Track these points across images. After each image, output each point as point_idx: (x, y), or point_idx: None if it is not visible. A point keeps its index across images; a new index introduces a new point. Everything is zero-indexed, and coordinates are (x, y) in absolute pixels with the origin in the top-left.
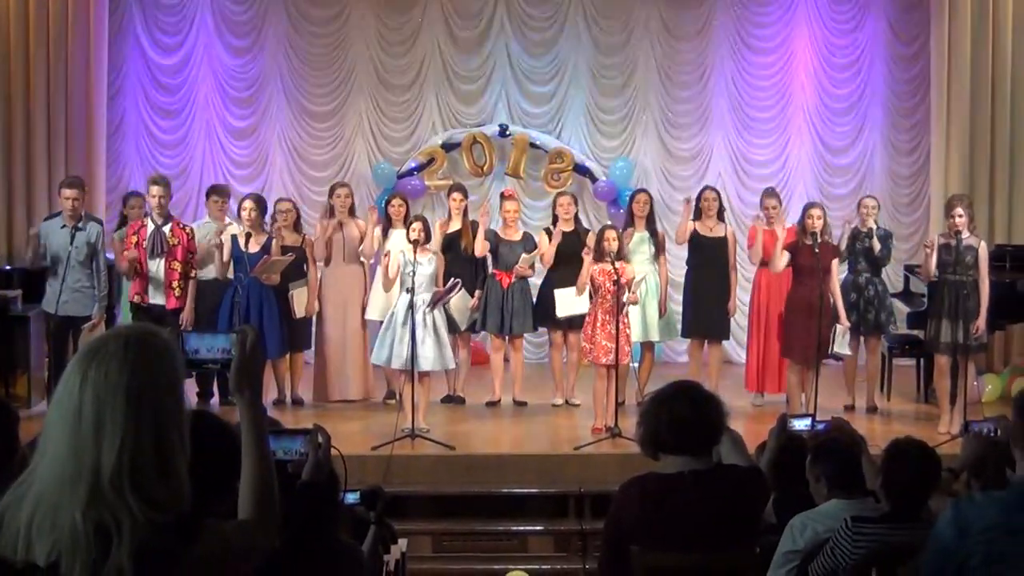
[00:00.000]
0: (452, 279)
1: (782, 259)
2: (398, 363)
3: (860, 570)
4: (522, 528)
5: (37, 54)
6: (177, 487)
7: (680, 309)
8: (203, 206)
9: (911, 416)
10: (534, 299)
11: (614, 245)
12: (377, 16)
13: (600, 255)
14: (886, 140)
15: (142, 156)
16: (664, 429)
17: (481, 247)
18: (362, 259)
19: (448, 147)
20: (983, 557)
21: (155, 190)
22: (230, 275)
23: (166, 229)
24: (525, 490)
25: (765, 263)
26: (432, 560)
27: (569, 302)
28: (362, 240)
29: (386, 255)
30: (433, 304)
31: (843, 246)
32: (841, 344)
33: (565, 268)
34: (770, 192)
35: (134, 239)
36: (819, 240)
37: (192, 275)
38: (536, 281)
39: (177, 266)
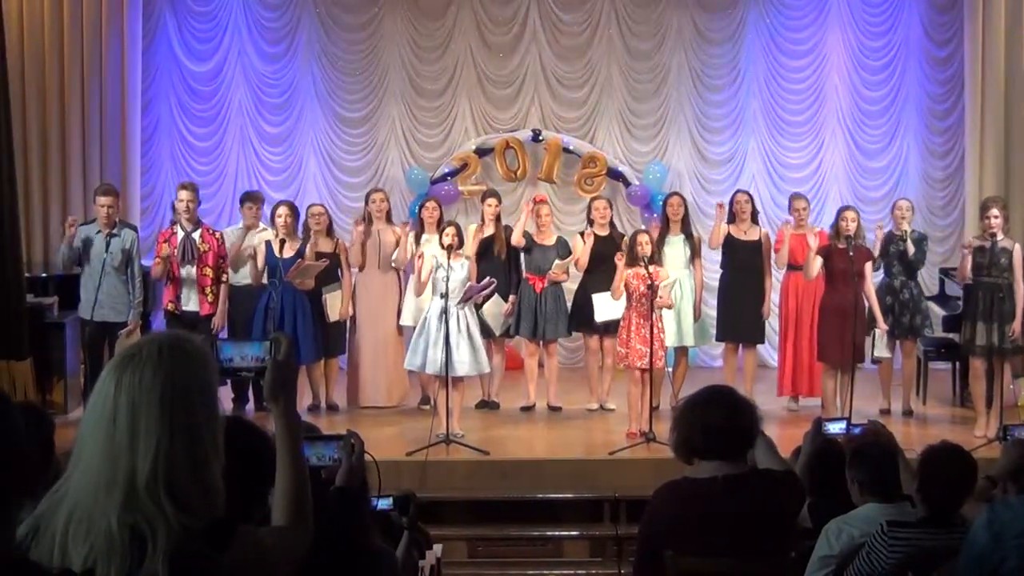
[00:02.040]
0: (488, 278)
1: (814, 265)
2: (432, 369)
3: (896, 575)
4: (557, 533)
5: (71, 62)
6: (211, 493)
7: (715, 313)
8: (237, 213)
9: (947, 420)
10: (568, 304)
11: (647, 249)
12: (410, 22)
13: (633, 259)
14: (920, 143)
15: (176, 163)
16: (697, 434)
17: (517, 238)
18: (394, 266)
19: (481, 152)
20: (1017, 561)
21: (184, 195)
22: (264, 280)
23: (196, 235)
24: (560, 495)
25: (793, 267)
26: (467, 566)
27: (607, 306)
28: (397, 247)
29: (419, 256)
30: (465, 300)
31: (877, 251)
32: (880, 348)
33: (599, 272)
34: (798, 195)
35: (165, 247)
36: (853, 243)
37: (224, 279)
38: (571, 286)
39: (209, 272)
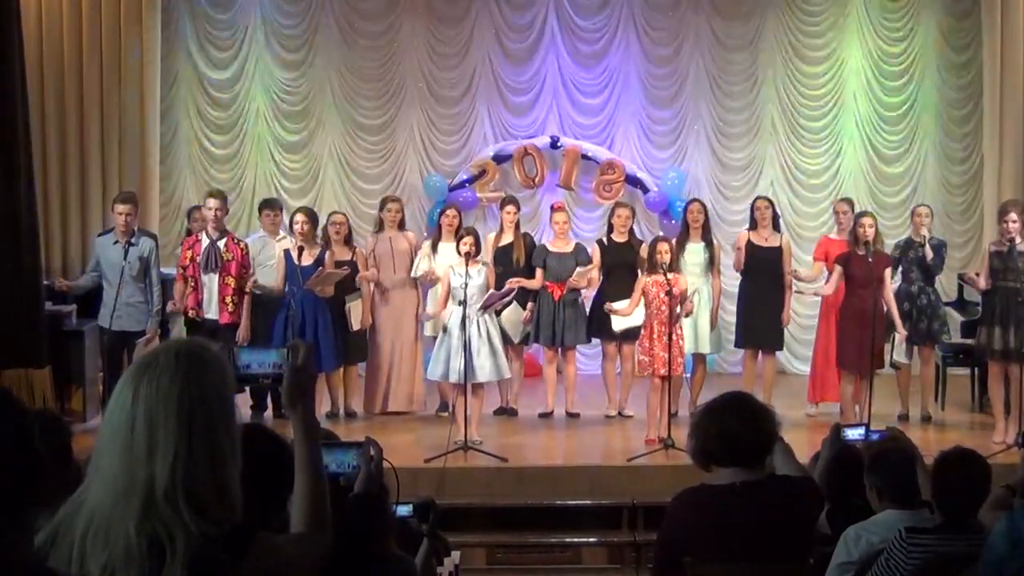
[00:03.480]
0: (508, 286)
1: (834, 280)
2: (455, 377)
3: None
4: (575, 540)
5: (90, 70)
6: (230, 500)
7: (733, 320)
8: (256, 220)
9: (966, 426)
10: (587, 310)
11: (666, 257)
12: (428, 29)
13: (653, 267)
14: (939, 149)
15: (195, 171)
16: (715, 441)
17: (536, 282)
18: (420, 282)
19: (499, 159)
20: None
21: (212, 203)
22: (284, 288)
23: (221, 244)
24: (578, 502)
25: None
26: (486, 573)
27: (623, 316)
28: (411, 253)
29: (432, 278)
30: (485, 307)
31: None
32: (899, 353)
33: (617, 280)
34: (841, 199)
35: (189, 254)
36: (872, 249)
37: (246, 290)
38: (589, 293)
39: (231, 281)
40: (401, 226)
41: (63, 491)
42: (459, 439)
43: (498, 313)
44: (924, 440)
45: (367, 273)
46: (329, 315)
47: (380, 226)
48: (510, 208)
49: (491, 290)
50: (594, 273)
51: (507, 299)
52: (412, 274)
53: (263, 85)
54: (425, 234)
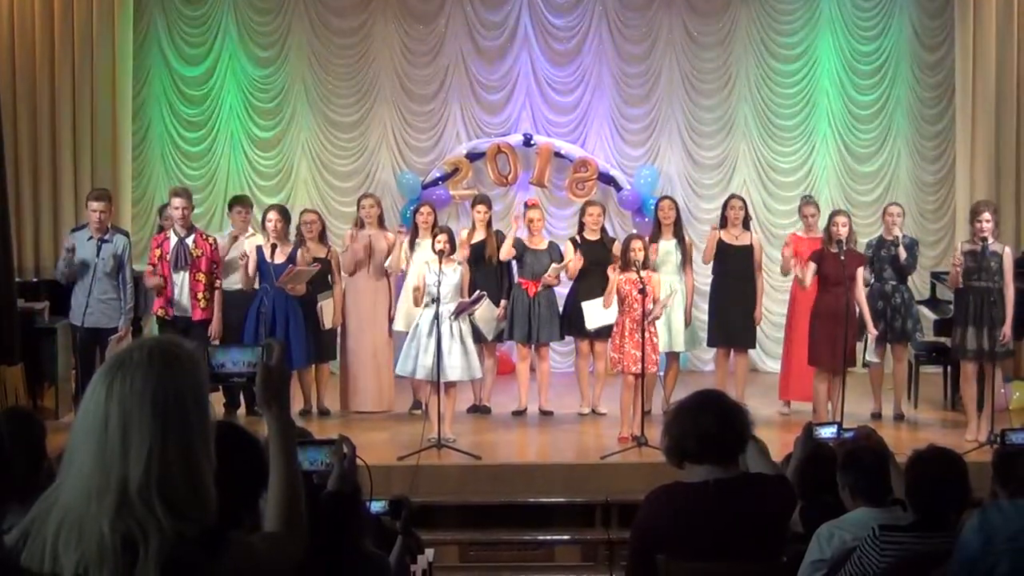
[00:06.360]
0: (477, 292)
1: (808, 272)
2: (423, 373)
3: None
4: (549, 537)
5: (62, 66)
6: (204, 498)
7: (706, 318)
8: (228, 217)
9: (938, 424)
10: (560, 308)
11: (640, 255)
12: (401, 26)
13: (626, 265)
14: (911, 147)
15: (167, 168)
16: (688, 438)
17: (507, 252)
18: (388, 272)
19: (472, 157)
20: (1009, 565)
21: (177, 202)
22: (255, 286)
23: (189, 241)
24: (552, 499)
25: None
26: (459, 570)
27: (597, 314)
28: (389, 252)
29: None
30: (456, 314)
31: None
32: (871, 352)
33: (591, 277)
34: (808, 199)
35: (158, 252)
36: (844, 248)
37: (217, 285)
38: (562, 290)
39: (202, 277)
40: (381, 223)
41: (35, 489)
42: (432, 437)
43: (471, 314)
44: (897, 438)
45: (348, 241)
46: (300, 312)
47: (361, 224)
48: (480, 207)
49: (461, 299)
50: (571, 265)
51: (477, 305)
52: (385, 266)
53: (236, 82)
54: (404, 234)
